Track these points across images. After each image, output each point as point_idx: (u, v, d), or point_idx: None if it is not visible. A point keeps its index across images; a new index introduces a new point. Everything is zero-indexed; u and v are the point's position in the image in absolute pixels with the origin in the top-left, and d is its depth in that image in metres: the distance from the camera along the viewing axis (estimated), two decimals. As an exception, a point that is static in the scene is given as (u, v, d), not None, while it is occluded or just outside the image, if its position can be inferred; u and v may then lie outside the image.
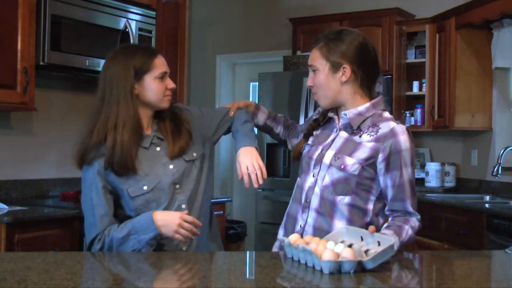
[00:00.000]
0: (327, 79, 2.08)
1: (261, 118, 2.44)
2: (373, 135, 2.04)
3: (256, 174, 2.09)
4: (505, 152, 4.16)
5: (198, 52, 6.30)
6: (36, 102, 3.53)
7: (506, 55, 4.44)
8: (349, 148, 2.06)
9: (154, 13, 4.16)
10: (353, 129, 2.08)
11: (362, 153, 2.03)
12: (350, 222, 2.03)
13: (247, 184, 2.10)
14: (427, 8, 5.06)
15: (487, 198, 4.42)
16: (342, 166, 2.04)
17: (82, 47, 3.69)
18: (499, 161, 4.14)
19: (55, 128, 4.06)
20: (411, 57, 5.08)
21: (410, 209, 2.05)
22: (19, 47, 3.40)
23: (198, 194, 2.22)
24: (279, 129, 2.44)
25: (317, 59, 2.09)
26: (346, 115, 2.10)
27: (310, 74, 2.13)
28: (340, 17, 5.26)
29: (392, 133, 2.02)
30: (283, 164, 5.08)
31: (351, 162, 2.03)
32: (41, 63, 3.49)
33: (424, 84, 4.91)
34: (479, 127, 4.71)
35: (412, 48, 5.08)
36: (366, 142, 2.04)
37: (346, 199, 2.05)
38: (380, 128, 2.05)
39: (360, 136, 2.07)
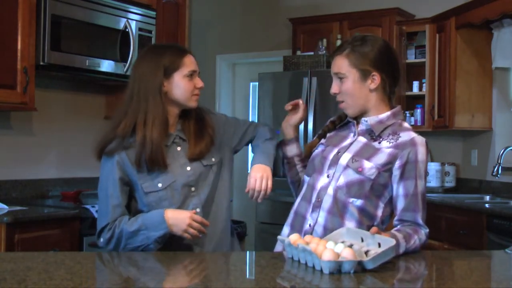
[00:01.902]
0: (357, 87, 2.08)
1: (296, 150, 2.36)
2: (392, 142, 2.05)
3: (261, 193, 2.19)
4: (505, 152, 4.16)
5: (198, 52, 6.26)
6: (36, 102, 3.53)
7: (506, 55, 4.44)
8: (367, 152, 2.06)
9: (154, 13, 4.16)
10: (373, 135, 2.09)
11: (380, 158, 2.03)
12: (360, 224, 2.04)
13: (251, 197, 2.21)
14: (427, 8, 5.05)
15: (487, 198, 4.42)
16: (360, 169, 2.03)
17: (82, 47, 3.69)
18: (499, 161, 4.14)
19: (55, 128, 4.06)
20: (411, 57, 5.08)
21: (420, 221, 2.05)
22: (19, 47, 3.40)
23: (214, 200, 2.23)
24: (300, 168, 2.37)
25: (344, 67, 2.08)
26: (367, 121, 2.11)
27: (335, 81, 2.12)
28: (340, 17, 5.25)
29: (412, 142, 2.04)
30: (284, 164, 5.06)
31: (369, 166, 2.03)
32: (41, 63, 3.49)
33: (424, 84, 4.91)
34: (479, 127, 4.71)
35: (412, 48, 5.08)
36: (385, 148, 2.05)
37: (358, 202, 2.04)
38: (400, 136, 2.06)
39: (379, 143, 2.07)
